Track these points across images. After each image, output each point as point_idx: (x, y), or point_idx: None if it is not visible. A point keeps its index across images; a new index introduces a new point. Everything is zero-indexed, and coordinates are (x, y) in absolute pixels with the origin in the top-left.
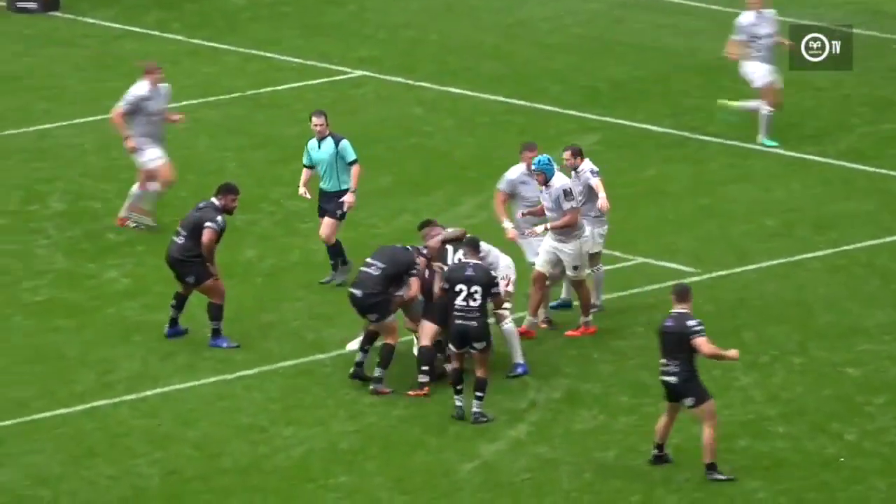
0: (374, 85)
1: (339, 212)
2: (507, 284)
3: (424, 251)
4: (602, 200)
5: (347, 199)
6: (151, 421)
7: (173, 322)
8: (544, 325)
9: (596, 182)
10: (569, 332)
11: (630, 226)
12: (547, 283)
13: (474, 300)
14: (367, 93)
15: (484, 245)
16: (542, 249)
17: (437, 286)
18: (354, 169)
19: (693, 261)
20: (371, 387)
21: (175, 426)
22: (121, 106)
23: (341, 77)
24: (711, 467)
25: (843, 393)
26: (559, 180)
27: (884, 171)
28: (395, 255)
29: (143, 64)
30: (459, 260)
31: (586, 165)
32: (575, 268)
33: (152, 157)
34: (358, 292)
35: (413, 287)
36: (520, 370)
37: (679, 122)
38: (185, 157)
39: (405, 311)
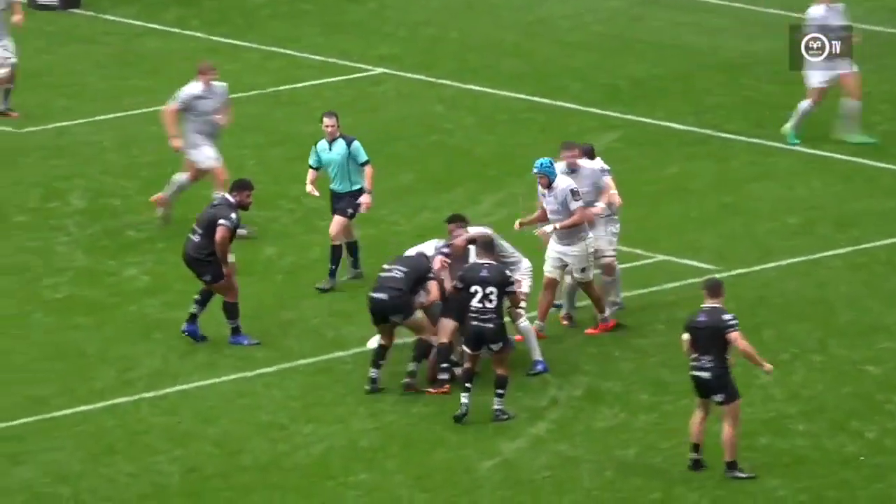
0: (395, 83)
1: (349, 210)
2: (522, 285)
3: (446, 249)
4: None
5: (364, 200)
6: (171, 418)
7: (192, 318)
8: (566, 322)
9: (607, 180)
10: (588, 330)
11: (652, 223)
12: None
13: (490, 301)
14: (388, 90)
15: (506, 244)
16: (548, 256)
17: (448, 283)
18: (368, 170)
19: (715, 258)
20: (405, 380)
21: (195, 423)
22: (172, 103)
23: (361, 75)
24: (732, 465)
25: (863, 391)
26: (563, 181)
27: None
28: (414, 262)
29: (198, 64)
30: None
31: (596, 164)
32: (583, 270)
33: (206, 156)
34: (382, 295)
35: (433, 292)
36: (539, 367)
37: (701, 119)
38: None
39: (425, 314)
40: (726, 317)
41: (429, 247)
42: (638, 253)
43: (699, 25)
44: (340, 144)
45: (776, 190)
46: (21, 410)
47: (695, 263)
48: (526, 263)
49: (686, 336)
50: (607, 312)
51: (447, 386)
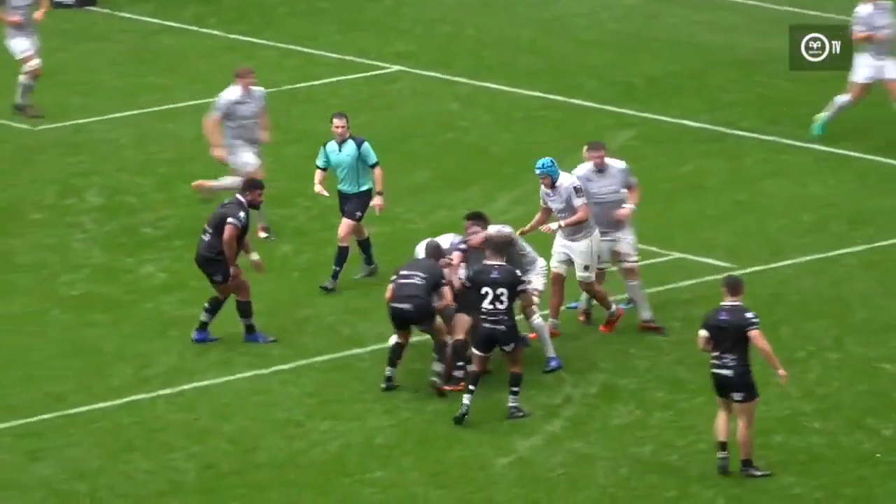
0: (411, 80)
1: (358, 213)
2: (537, 282)
3: (463, 246)
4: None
5: (377, 202)
6: (188, 415)
7: (203, 326)
8: (582, 318)
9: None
10: (602, 328)
11: (666, 221)
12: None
13: (501, 302)
14: (404, 88)
15: (523, 243)
16: (554, 251)
17: (456, 279)
18: (378, 172)
19: (729, 256)
20: (432, 379)
21: (211, 421)
22: (214, 113)
23: (378, 72)
24: (747, 463)
25: (879, 388)
26: (566, 179)
27: None
28: (430, 267)
29: (236, 68)
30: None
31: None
32: (586, 267)
33: (244, 161)
34: (407, 306)
35: (447, 296)
36: (553, 364)
37: (715, 117)
38: None
39: (440, 316)
40: (748, 315)
41: (444, 240)
42: (653, 251)
43: (714, 23)
44: (350, 145)
45: (790, 187)
46: (39, 407)
47: (710, 261)
48: (541, 262)
49: (704, 333)
50: (613, 308)
51: (462, 383)
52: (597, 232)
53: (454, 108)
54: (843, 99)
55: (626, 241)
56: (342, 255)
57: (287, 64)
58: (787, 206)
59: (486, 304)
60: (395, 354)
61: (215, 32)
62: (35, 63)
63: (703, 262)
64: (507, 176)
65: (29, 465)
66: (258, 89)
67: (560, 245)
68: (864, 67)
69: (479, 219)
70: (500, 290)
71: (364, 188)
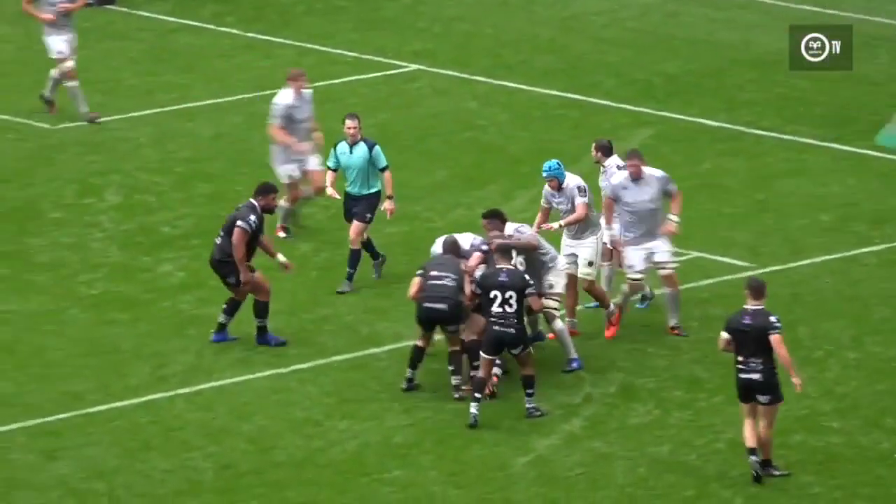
0: (429, 79)
1: (368, 216)
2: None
3: (485, 247)
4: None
5: (389, 206)
6: (206, 414)
7: (221, 328)
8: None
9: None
10: (607, 334)
11: (685, 220)
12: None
13: (510, 306)
14: (422, 87)
15: (544, 243)
16: (562, 253)
17: (468, 288)
18: (387, 175)
19: (748, 255)
20: (455, 395)
21: (229, 420)
22: (275, 121)
23: (396, 71)
24: (767, 463)
25: None
26: (572, 180)
27: None
28: (455, 265)
29: (288, 71)
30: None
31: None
32: (589, 263)
33: (284, 172)
34: (442, 306)
35: (468, 294)
36: (574, 365)
37: (734, 116)
38: (239, 152)
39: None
40: (772, 318)
41: (465, 240)
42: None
43: (732, 22)
44: (362, 148)
45: (809, 187)
46: (57, 406)
47: (728, 260)
48: (563, 262)
49: (725, 335)
50: (612, 308)
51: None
52: (603, 230)
53: (472, 106)
54: None
55: (664, 249)
56: (355, 257)
57: (304, 63)
58: (807, 205)
59: (495, 308)
60: (417, 357)
61: (233, 31)
62: (68, 66)
63: (722, 261)
64: (525, 174)
65: (46, 464)
66: (307, 91)
67: (567, 244)
68: None
69: (497, 217)
70: (508, 294)
71: (373, 190)
